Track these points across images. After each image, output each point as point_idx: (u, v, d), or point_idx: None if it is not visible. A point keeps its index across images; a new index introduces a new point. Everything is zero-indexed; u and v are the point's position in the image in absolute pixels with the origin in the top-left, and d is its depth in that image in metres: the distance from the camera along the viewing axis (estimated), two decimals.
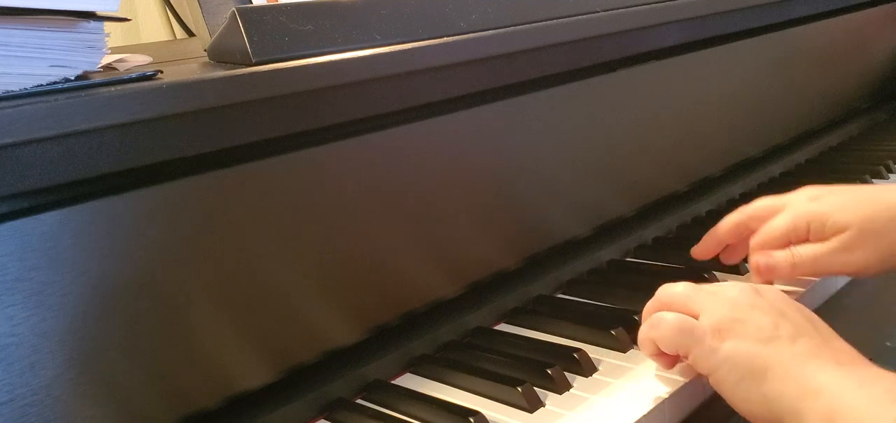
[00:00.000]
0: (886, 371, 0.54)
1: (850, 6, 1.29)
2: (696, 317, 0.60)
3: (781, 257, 0.74)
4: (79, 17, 0.54)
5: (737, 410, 0.58)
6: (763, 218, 0.77)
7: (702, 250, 0.83)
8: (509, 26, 0.74)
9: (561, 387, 0.64)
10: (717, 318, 0.59)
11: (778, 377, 0.55)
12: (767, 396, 0.55)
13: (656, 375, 0.65)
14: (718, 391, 0.59)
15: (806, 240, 0.75)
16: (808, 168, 1.20)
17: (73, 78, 0.54)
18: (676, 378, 0.64)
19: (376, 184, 0.67)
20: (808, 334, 0.57)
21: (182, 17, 1.09)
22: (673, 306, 0.62)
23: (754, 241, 0.77)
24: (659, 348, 0.63)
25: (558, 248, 0.85)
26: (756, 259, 0.76)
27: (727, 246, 0.82)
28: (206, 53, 0.65)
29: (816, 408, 0.52)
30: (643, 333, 0.64)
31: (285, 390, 0.63)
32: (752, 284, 0.63)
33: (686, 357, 0.61)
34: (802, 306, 0.62)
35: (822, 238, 0.73)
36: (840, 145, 1.31)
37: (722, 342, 0.58)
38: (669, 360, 0.64)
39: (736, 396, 0.57)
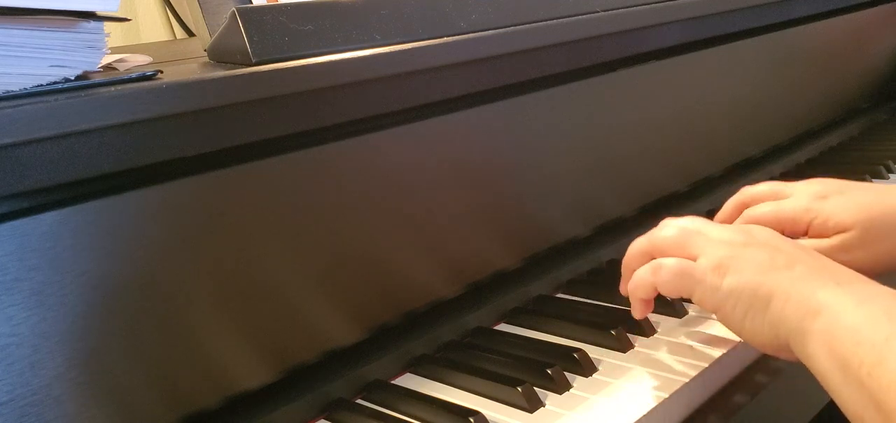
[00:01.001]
0: (886, 288, 0.54)
1: (850, 6, 1.29)
2: (693, 259, 0.62)
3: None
4: (79, 17, 0.54)
5: (747, 341, 0.59)
6: (765, 200, 0.78)
7: None
8: (509, 26, 0.74)
9: (561, 387, 0.64)
10: (716, 257, 0.60)
11: (780, 301, 0.56)
12: (772, 322, 0.56)
13: (656, 375, 0.65)
14: (727, 327, 0.61)
15: (803, 233, 0.75)
16: (808, 168, 1.20)
17: (73, 78, 0.54)
18: (677, 378, 0.64)
19: (376, 184, 0.67)
20: (804, 261, 0.59)
21: (182, 17, 1.09)
22: (668, 252, 0.64)
23: (749, 212, 0.77)
24: (653, 293, 0.64)
25: (558, 248, 0.85)
26: None
27: None
28: (206, 53, 0.65)
29: (817, 327, 0.53)
30: (642, 276, 0.64)
31: (285, 390, 0.63)
32: (744, 225, 0.64)
33: (690, 298, 0.62)
34: (794, 241, 0.63)
35: (822, 235, 0.73)
36: (840, 145, 1.31)
37: (723, 279, 0.59)
38: (649, 307, 0.66)
39: (744, 327, 0.59)
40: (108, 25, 0.56)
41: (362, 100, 0.64)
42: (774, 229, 0.75)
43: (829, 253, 0.72)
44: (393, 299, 0.71)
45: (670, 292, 0.64)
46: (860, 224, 0.72)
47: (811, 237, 0.74)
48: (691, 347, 0.69)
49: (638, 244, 0.67)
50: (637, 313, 0.67)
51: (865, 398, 0.49)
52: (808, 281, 0.56)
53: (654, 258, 0.65)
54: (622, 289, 0.68)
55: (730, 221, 0.80)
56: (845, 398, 0.51)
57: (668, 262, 0.63)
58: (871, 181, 1.08)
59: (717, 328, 0.70)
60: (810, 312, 0.54)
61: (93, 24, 0.54)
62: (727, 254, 0.60)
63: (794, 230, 0.75)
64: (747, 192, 0.80)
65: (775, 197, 0.77)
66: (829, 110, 1.35)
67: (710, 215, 1.00)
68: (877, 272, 0.72)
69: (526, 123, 0.79)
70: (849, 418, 0.51)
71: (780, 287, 0.57)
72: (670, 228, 0.65)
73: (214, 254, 0.58)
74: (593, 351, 0.69)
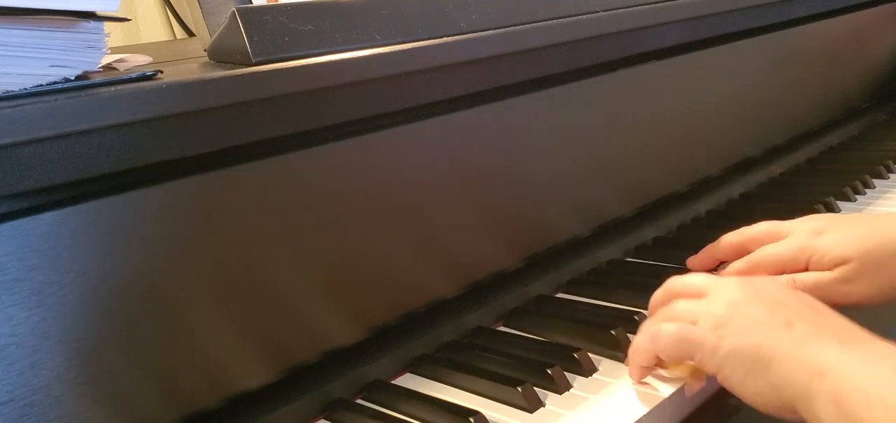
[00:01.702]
0: (887, 344, 0.54)
1: (850, 6, 1.29)
2: (694, 324, 0.61)
3: (783, 281, 0.74)
4: (79, 17, 0.54)
5: (750, 404, 0.58)
6: (763, 242, 0.77)
7: (699, 262, 0.83)
8: (509, 26, 0.74)
9: (561, 387, 0.64)
10: (715, 317, 0.59)
11: (782, 363, 0.55)
12: (775, 384, 0.55)
13: (656, 375, 0.65)
14: (728, 389, 0.59)
15: (804, 270, 0.75)
16: (808, 168, 1.20)
17: (73, 78, 0.53)
18: (676, 379, 0.64)
19: (376, 184, 0.67)
20: (806, 317, 0.58)
21: (182, 17, 1.09)
22: (671, 320, 0.62)
23: (750, 258, 0.77)
24: (653, 361, 0.63)
25: (558, 248, 0.85)
26: None
27: (722, 263, 0.82)
28: (206, 53, 0.65)
29: (824, 389, 0.52)
30: (642, 344, 0.63)
31: (285, 390, 0.63)
32: (745, 278, 0.63)
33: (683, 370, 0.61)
34: (799, 292, 0.62)
35: (822, 269, 0.73)
36: (840, 145, 1.31)
37: (722, 341, 0.58)
38: (646, 373, 0.64)
39: (746, 390, 0.57)
40: (108, 25, 0.56)
41: (362, 100, 0.64)
42: (776, 271, 0.75)
43: (831, 286, 0.72)
44: (393, 299, 0.71)
45: (670, 357, 0.62)
46: (859, 256, 0.72)
47: (812, 271, 0.74)
48: None
49: (646, 323, 0.66)
50: (635, 376, 0.65)
51: None
52: (811, 341, 0.55)
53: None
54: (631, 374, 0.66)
55: (727, 256, 0.80)
56: None
57: (667, 328, 0.62)
58: (871, 181, 1.08)
59: None
60: (816, 374, 0.53)
61: (93, 24, 0.54)
62: (726, 313, 0.59)
63: (794, 269, 0.75)
64: (746, 233, 0.80)
65: (773, 237, 0.77)
66: (829, 110, 1.35)
67: (710, 215, 1.01)
68: (879, 301, 0.73)
69: (526, 123, 0.79)
70: None
71: (782, 348, 0.56)
72: (677, 301, 0.64)
73: (214, 254, 0.58)
74: (593, 351, 0.69)
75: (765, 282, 0.63)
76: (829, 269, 0.73)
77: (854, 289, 0.72)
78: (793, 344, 0.55)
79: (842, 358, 0.53)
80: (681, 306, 0.63)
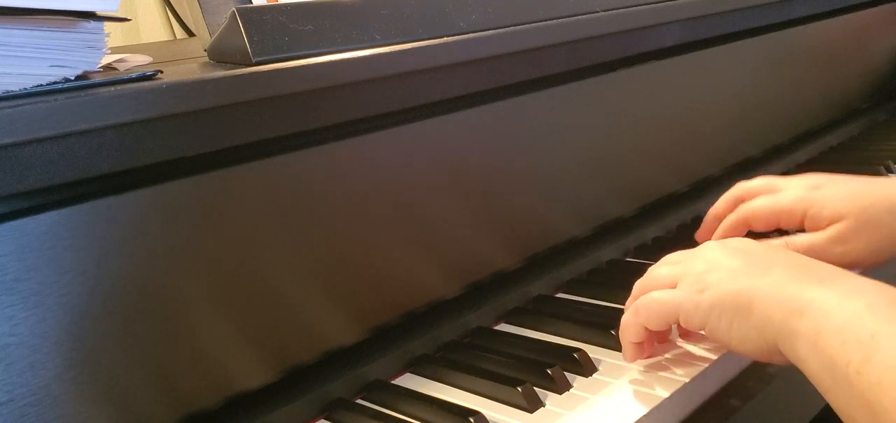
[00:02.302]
0: (870, 281, 0.54)
1: (850, 6, 1.29)
2: (675, 287, 0.62)
3: (777, 243, 0.74)
4: (79, 17, 0.54)
5: (739, 353, 0.59)
6: (760, 194, 0.78)
7: (703, 231, 0.84)
8: (509, 26, 0.74)
9: (561, 387, 0.64)
10: (695, 275, 0.61)
11: (762, 305, 0.56)
12: (757, 326, 0.56)
13: (656, 375, 0.65)
14: (716, 340, 0.60)
15: (799, 225, 0.75)
16: (808, 168, 1.20)
17: (73, 78, 0.53)
18: (677, 378, 0.64)
19: (376, 184, 0.67)
20: (782, 263, 0.58)
21: (182, 17, 1.09)
22: (650, 289, 0.64)
23: (745, 207, 0.77)
24: (642, 334, 0.64)
25: (558, 248, 0.85)
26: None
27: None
28: (206, 53, 0.65)
29: (802, 328, 0.53)
30: (627, 321, 0.64)
31: (285, 390, 0.63)
32: (719, 240, 0.64)
33: (679, 325, 0.62)
34: (772, 243, 0.63)
35: (817, 226, 0.74)
36: (840, 145, 1.31)
37: (702, 295, 0.59)
38: (643, 349, 0.65)
39: (732, 338, 0.58)
40: (108, 25, 0.56)
41: (362, 100, 0.64)
42: (771, 221, 0.77)
43: (826, 247, 0.72)
44: (393, 299, 0.71)
45: (657, 325, 0.63)
46: (854, 213, 0.72)
47: (807, 230, 0.75)
48: (690, 349, 0.69)
49: (632, 297, 0.67)
50: (628, 356, 0.66)
51: (855, 398, 0.48)
52: (790, 282, 0.55)
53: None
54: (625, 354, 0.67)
55: (725, 215, 0.81)
56: (836, 398, 0.51)
57: (648, 296, 0.63)
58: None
59: None
60: (795, 312, 0.53)
61: (93, 24, 0.54)
62: (704, 269, 0.60)
63: (789, 222, 0.76)
64: (742, 187, 0.80)
65: (770, 191, 0.78)
66: (829, 110, 1.35)
67: None
68: (873, 262, 0.73)
69: (526, 123, 0.79)
70: (841, 418, 0.51)
71: (761, 291, 0.56)
72: (650, 271, 0.66)
73: (214, 254, 0.58)
74: (593, 351, 0.69)
75: (738, 240, 0.64)
76: (824, 226, 0.73)
77: (849, 249, 0.72)
78: (772, 286, 0.56)
79: (820, 295, 0.53)
80: (661, 270, 0.64)
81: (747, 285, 0.57)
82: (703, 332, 0.61)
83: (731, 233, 0.79)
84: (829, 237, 0.72)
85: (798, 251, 0.73)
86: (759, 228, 0.78)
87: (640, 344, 0.65)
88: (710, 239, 0.82)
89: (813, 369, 0.52)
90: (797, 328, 0.53)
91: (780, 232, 0.79)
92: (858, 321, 0.50)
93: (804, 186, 0.76)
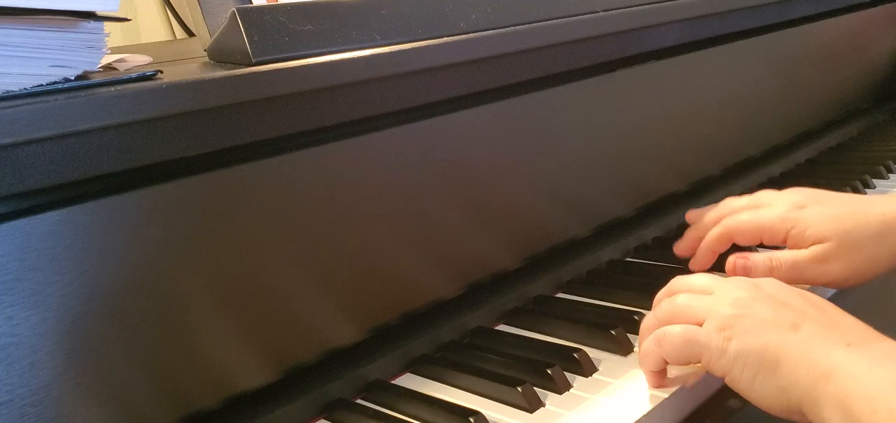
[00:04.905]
0: (894, 344, 0.54)
1: (850, 6, 1.29)
2: (700, 324, 0.60)
3: (759, 260, 0.74)
4: (79, 17, 0.54)
5: (758, 406, 0.57)
6: (744, 211, 0.79)
7: (685, 245, 0.83)
8: (509, 26, 0.74)
9: (561, 387, 0.64)
10: (721, 319, 0.59)
11: (789, 365, 0.55)
12: (782, 386, 0.55)
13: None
14: (737, 391, 0.58)
15: (782, 242, 0.75)
16: (808, 168, 1.20)
17: (73, 78, 0.54)
18: (676, 379, 0.64)
19: (376, 184, 0.67)
20: (812, 318, 0.57)
21: (182, 17, 1.09)
22: (676, 319, 0.62)
23: (729, 221, 0.77)
24: (662, 364, 0.63)
25: (558, 248, 0.85)
26: (733, 259, 0.76)
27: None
28: (206, 53, 0.65)
29: (830, 391, 0.52)
30: (648, 349, 0.63)
31: (285, 390, 0.63)
32: (750, 279, 0.63)
33: (699, 364, 0.60)
34: (805, 292, 0.61)
35: (799, 246, 0.74)
36: (840, 145, 1.31)
37: (729, 342, 0.58)
38: (661, 377, 0.63)
39: (754, 392, 0.57)
40: (108, 25, 0.56)
41: (362, 100, 0.64)
42: (754, 237, 0.77)
43: (807, 265, 0.73)
44: (393, 299, 0.71)
45: (678, 362, 0.61)
46: (837, 236, 0.72)
47: (789, 248, 0.75)
48: None
49: (648, 319, 0.65)
50: (652, 385, 0.64)
51: None
52: (818, 343, 0.55)
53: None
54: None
55: (707, 231, 0.81)
56: None
57: (673, 330, 0.61)
58: (871, 181, 1.08)
59: None
60: (822, 375, 0.53)
61: (93, 24, 0.54)
62: (732, 314, 0.59)
63: (772, 239, 0.76)
64: (728, 205, 0.81)
65: (754, 207, 0.78)
66: (829, 110, 1.35)
67: None
68: (853, 282, 0.73)
69: (526, 123, 0.79)
70: None
71: (789, 350, 0.55)
72: (679, 295, 0.64)
73: (214, 254, 0.58)
74: (593, 351, 0.69)
75: (769, 283, 0.62)
76: (806, 246, 0.73)
77: (830, 269, 0.72)
78: (799, 346, 0.55)
79: (848, 360, 0.53)
80: (684, 299, 0.62)
81: (776, 342, 0.56)
82: (724, 378, 0.59)
83: (715, 246, 0.79)
84: (811, 257, 0.73)
85: (782, 267, 0.73)
86: (743, 243, 0.78)
87: (661, 372, 0.64)
88: (692, 252, 0.82)
89: None
90: (825, 391, 0.52)
91: (764, 247, 0.79)
92: (890, 388, 0.50)
93: (788, 203, 0.76)
